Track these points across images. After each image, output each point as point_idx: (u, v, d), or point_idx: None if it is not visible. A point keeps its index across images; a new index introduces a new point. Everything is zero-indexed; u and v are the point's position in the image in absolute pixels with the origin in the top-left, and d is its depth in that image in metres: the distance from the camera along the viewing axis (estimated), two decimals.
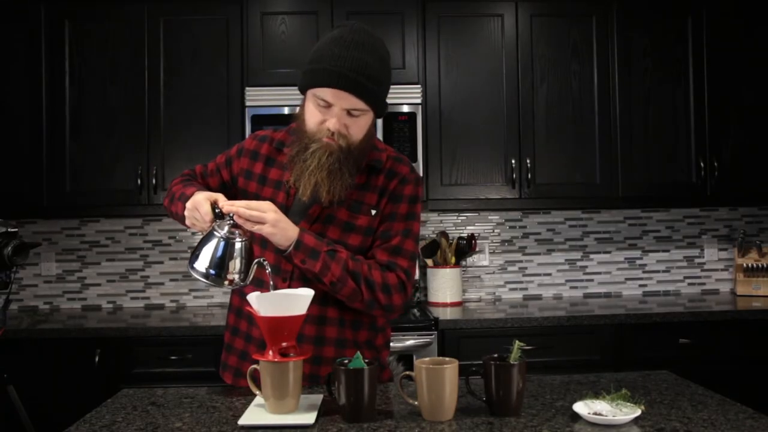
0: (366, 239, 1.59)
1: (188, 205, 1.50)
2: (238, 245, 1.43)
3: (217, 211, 1.45)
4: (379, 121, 2.92)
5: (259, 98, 2.94)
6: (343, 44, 1.47)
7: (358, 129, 1.53)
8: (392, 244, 1.58)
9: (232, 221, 1.44)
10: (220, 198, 1.48)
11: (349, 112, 1.50)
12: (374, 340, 1.67)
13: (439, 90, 3.07)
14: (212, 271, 1.42)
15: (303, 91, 1.56)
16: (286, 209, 1.56)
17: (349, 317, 1.60)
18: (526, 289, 3.45)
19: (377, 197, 1.60)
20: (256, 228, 1.44)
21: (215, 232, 1.44)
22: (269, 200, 1.58)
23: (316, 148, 1.50)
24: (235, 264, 1.43)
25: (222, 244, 1.42)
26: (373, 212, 1.59)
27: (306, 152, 1.51)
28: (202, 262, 1.43)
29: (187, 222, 1.52)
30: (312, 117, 1.52)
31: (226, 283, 1.44)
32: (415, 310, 3.01)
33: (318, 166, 1.49)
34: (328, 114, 1.50)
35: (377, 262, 1.57)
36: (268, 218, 1.44)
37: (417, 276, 3.28)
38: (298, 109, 1.61)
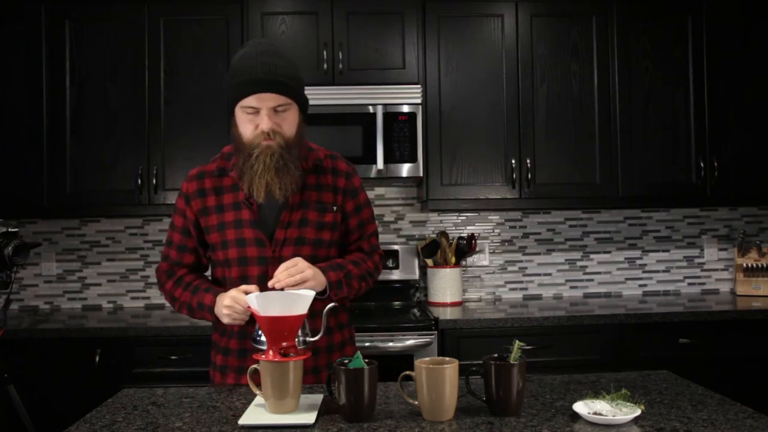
0: (334, 233, 1.76)
1: (225, 311, 1.60)
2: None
3: None
4: (380, 121, 2.92)
5: None
6: (251, 56, 1.62)
7: (288, 125, 1.65)
8: (369, 232, 1.84)
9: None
10: (251, 288, 1.58)
11: (275, 111, 1.63)
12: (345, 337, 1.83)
13: (439, 90, 3.07)
14: (306, 339, 1.52)
15: (232, 110, 1.68)
16: (255, 223, 1.67)
17: (321, 325, 1.69)
18: (526, 289, 3.45)
19: (332, 195, 1.76)
20: (301, 287, 1.57)
21: None
22: (233, 222, 1.69)
23: (259, 152, 1.62)
24: (307, 324, 1.55)
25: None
26: (335, 209, 1.76)
27: (251, 158, 1.63)
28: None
29: (228, 321, 1.62)
30: (245, 128, 1.65)
31: (316, 338, 1.54)
32: (415, 310, 3.01)
33: (265, 167, 1.62)
34: (258, 119, 1.63)
35: (363, 251, 1.82)
36: (308, 275, 1.58)
37: (417, 276, 3.29)
38: (231, 131, 1.71)
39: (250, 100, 1.61)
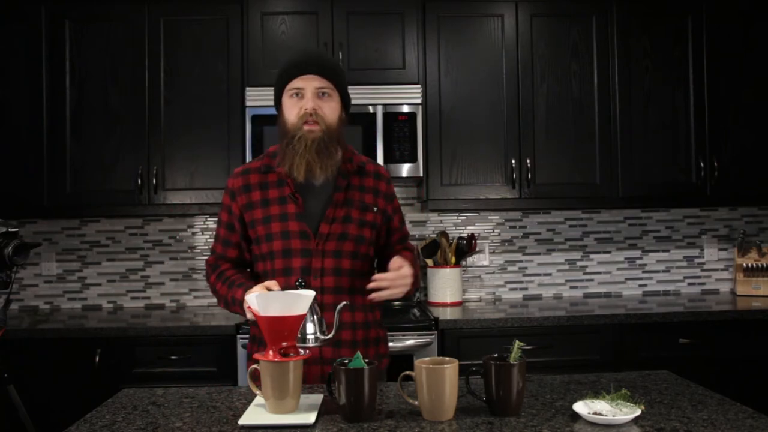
0: (373, 232, 1.82)
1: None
2: (317, 307, 1.53)
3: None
4: (380, 121, 2.92)
5: (259, 98, 2.93)
6: (301, 50, 1.79)
7: (329, 110, 1.73)
8: (406, 233, 1.96)
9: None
10: (272, 284, 1.58)
11: (318, 94, 1.71)
12: (379, 334, 1.86)
13: (439, 90, 3.07)
14: (320, 337, 1.54)
15: (278, 99, 1.78)
16: (300, 216, 1.72)
17: (360, 318, 1.77)
18: (526, 289, 3.45)
19: (373, 197, 1.83)
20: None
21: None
22: (279, 215, 1.73)
23: (301, 134, 1.70)
24: (317, 321, 1.55)
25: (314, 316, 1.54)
26: (375, 209, 1.82)
27: (293, 140, 1.70)
28: (309, 335, 1.54)
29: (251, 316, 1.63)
30: (290, 111, 1.73)
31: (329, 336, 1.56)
32: (415, 310, 3.01)
33: (306, 148, 1.69)
34: (302, 102, 1.71)
35: (409, 250, 1.92)
36: (406, 287, 1.69)
37: None
38: (278, 122, 1.79)
39: (296, 82, 1.71)
